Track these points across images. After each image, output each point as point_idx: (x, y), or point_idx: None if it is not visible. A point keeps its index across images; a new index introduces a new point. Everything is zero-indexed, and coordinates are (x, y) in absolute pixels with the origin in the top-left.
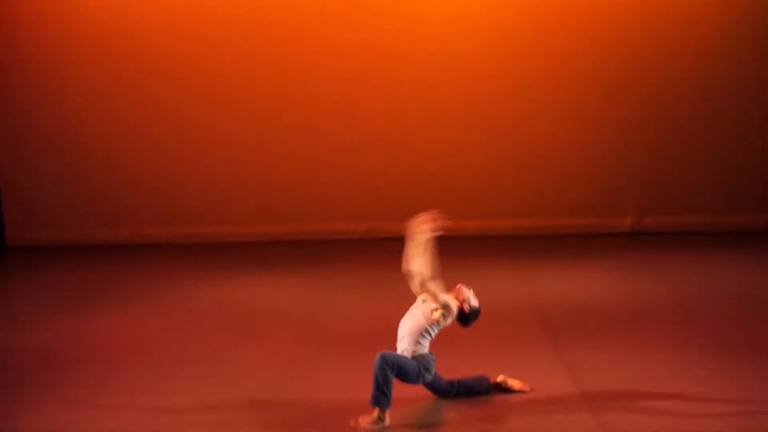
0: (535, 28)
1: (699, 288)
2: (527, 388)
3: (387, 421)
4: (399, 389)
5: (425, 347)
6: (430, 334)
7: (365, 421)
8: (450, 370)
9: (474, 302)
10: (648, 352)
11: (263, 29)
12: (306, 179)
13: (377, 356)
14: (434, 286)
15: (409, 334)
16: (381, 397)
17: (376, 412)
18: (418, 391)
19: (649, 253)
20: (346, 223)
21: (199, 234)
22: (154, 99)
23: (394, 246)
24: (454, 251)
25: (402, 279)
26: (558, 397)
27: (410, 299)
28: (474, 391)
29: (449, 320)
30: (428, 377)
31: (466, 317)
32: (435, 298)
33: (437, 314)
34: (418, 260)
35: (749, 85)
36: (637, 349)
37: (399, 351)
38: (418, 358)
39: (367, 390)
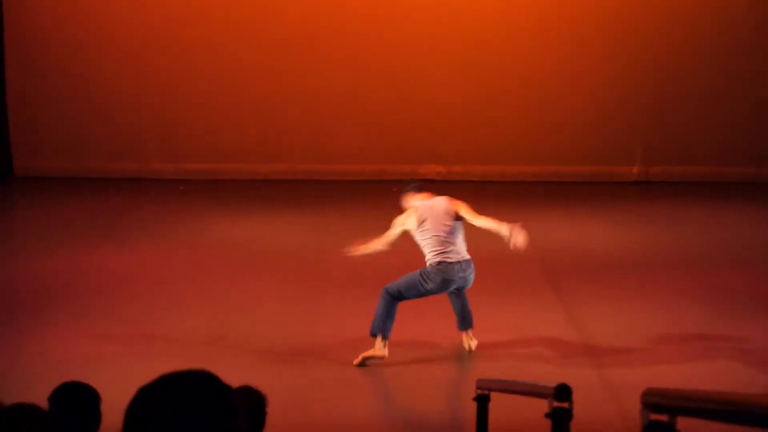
0: None
1: (702, 238)
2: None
3: (385, 352)
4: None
5: (431, 256)
6: (429, 245)
7: (365, 354)
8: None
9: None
10: (649, 300)
11: None
12: (311, 119)
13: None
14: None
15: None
16: (376, 323)
17: (375, 343)
18: (430, 331)
19: (655, 203)
20: (354, 164)
21: (205, 170)
22: (163, 37)
23: (398, 189)
24: (460, 195)
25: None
26: (558, 344)
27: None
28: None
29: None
30: (427, 285)
31: None
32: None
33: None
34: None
35: (762, 35)
36: (638, 297)
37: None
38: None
39: (366, 325)
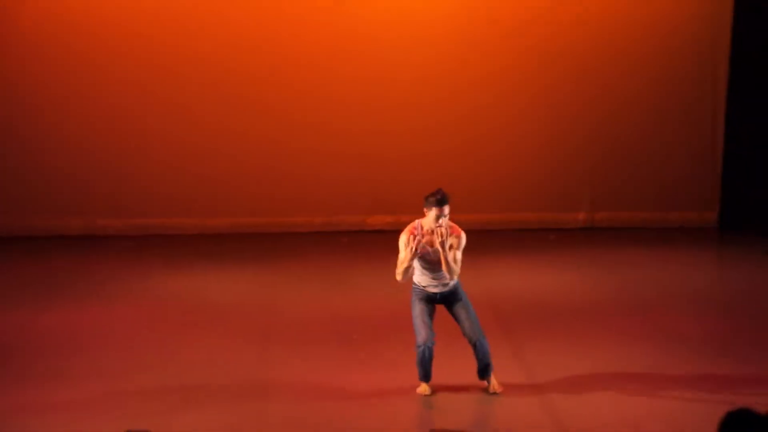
0: (492, 29)
1: (648, 282)
2: (500, 390)
3: (427, 392)
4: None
5: (415, 278)
6: (418, 270)
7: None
8: (405, 361)
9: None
10: (598, 344)
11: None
12: (260, 171)
13: None
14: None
15: None
16: (419, 372)
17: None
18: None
19: (602, 248)
20: (302, 216)
21: (152, 225)
22: (108, 90)
23: (348, 239)
24: None
25: (354, 272)
26: (509, 388)
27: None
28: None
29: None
30: (415, 303)
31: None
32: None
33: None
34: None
35: (701, 85)
36: (587, 341)
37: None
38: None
39: (320, 379)
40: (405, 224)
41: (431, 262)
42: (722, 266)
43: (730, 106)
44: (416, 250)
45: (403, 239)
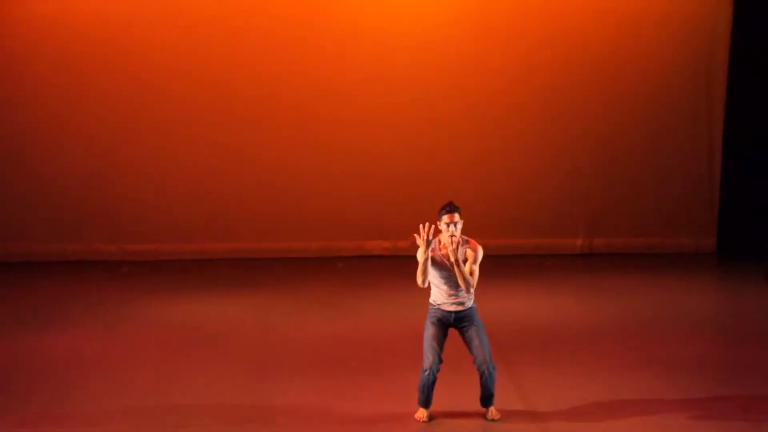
0: (487, 50)
1: (646, 309)
2: (498, 416)
3: (425, 418)
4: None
5: (432, 296)
6: (435, 285)
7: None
8: (403, 387)
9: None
10: (595, 372)
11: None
12: (257, 197)
13: None
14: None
15: None
16: (419, 396)
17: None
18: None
19: (599, 274)
20: (299, 242)
21: (149, 251)
22: (105, 116)
23: (344, 264)
24: (407, 270)
25: (352, 297)
26: (507, 415)
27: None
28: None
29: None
30: (428, 327)
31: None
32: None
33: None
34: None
35: (698, 112)
36: (585, 369)
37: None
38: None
39: (317, 405)
40: (402, 249)
41: (447, 274)
42: (720, 292)
43: (728, 132)
44: (429, 239)
45: (420, 251)
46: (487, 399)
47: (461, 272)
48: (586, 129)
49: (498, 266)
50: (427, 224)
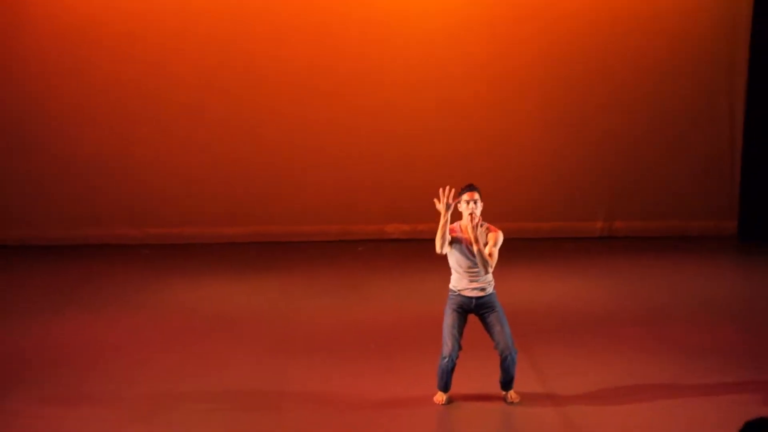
0: (510, 33)
1: (666, 292)
2: (517, 399)
3: (444, 401)
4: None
5: (452, 282)
6: (455, 269)
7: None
8: (422, 370)
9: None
10: (614, 355)
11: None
12: (277, 181)
13: None
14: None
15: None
16: (438, 381)
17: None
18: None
19: (619, 258)
20: (318, 225)
21: (171, 235)
22: (121, 102)
23: (364, 248)
24: (426, 253)
25: (371, 281)
26: (526, 398)
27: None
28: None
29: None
30: (448, 313)
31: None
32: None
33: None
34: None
35: (720, 93)
36: (603, 352)
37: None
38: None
39: (337, 387)
40: (422, 233)
41: (468, 257)
42: (741, 276)
43: (749, 114)
44: (449, 202)
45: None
46: (507, 383)
47: (480, 251)
48: (606, 112)
49: (518, 249)
50: (447, 188)
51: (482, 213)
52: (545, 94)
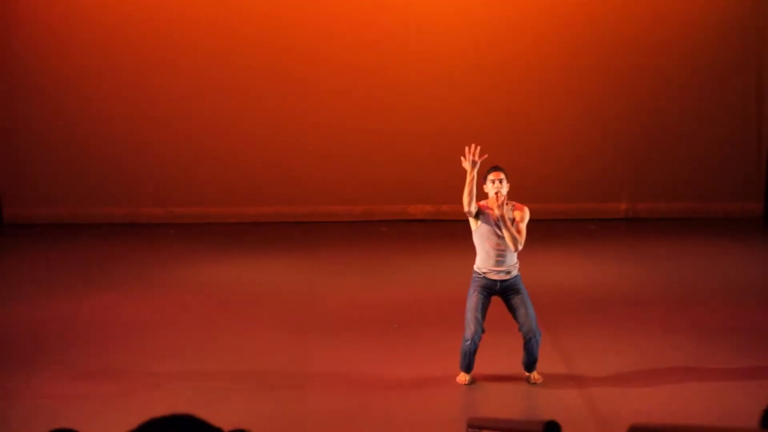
0: (532, 20)
1: (690, 274)
2: (540, 380)
3: (466, 381)
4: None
5: (477, 263)
6: (483, 249)
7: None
8: (444, 350)
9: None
10: (638, 337)
11: (256, 16)
12: (301, 161)
13: None
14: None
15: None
16: (461, 361)
17: None
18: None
19: (643, 239)
20: (342, 205)
21: (194, 214)
22: (149, 82)
23: (388, 228)
24: (450, 234)
25: (394, 261)
26: (549, 378)
27: (404, 281)
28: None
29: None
30: (471, 295)
31: None
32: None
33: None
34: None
35: (746, 74)
36: (627, 333)
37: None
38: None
39: (359, 367)
40: (446, 214)
41: (495, 236)
42: (766, 258)
43: None
44: (475, 160)
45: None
46: (530, 364)
47: (508, 228)
48: (631, 93)
49: (541, 231)
50: (473, 145)
51: (509, 193)
52: (572, 79)
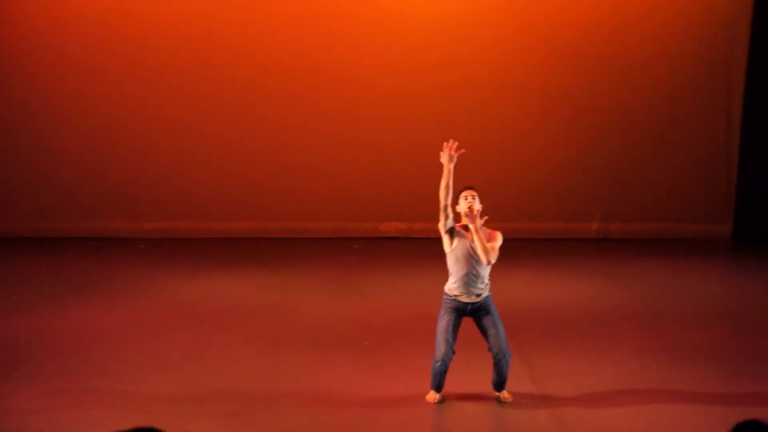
0: (508, 40)
1: (660, 294)
2: (509, 399)
3: (437, 399)
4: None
5: (448, 285)
6: (455, 272)
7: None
8: (415, 368)
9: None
10: (608, 357)
11: (236, 26)
12: (272, 177)
13: None
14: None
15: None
16: (431, 380)
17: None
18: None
19: (614, 259)
20: (314, 222)
21: (165, 229)
22: (123, 95)
23: (359, 245)
24: (425, 253)
25: (366, 278)
26: (518, 398)
27: (376, 298)
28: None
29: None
30: (442, 316)
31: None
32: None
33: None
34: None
35: (716, 96)
36: (597, 354)
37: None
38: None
39: (331, 384)
40: (417, 231)
41: (468, 257)
42: (735, 279)
43: (746, 117)
44: (453, 155)
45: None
46: (500, 384)
47: (481, 241)
48: (602, 114)
49: (513, 250)
50: (450, 141)
51: (479, 213)
52: (544, 99)
